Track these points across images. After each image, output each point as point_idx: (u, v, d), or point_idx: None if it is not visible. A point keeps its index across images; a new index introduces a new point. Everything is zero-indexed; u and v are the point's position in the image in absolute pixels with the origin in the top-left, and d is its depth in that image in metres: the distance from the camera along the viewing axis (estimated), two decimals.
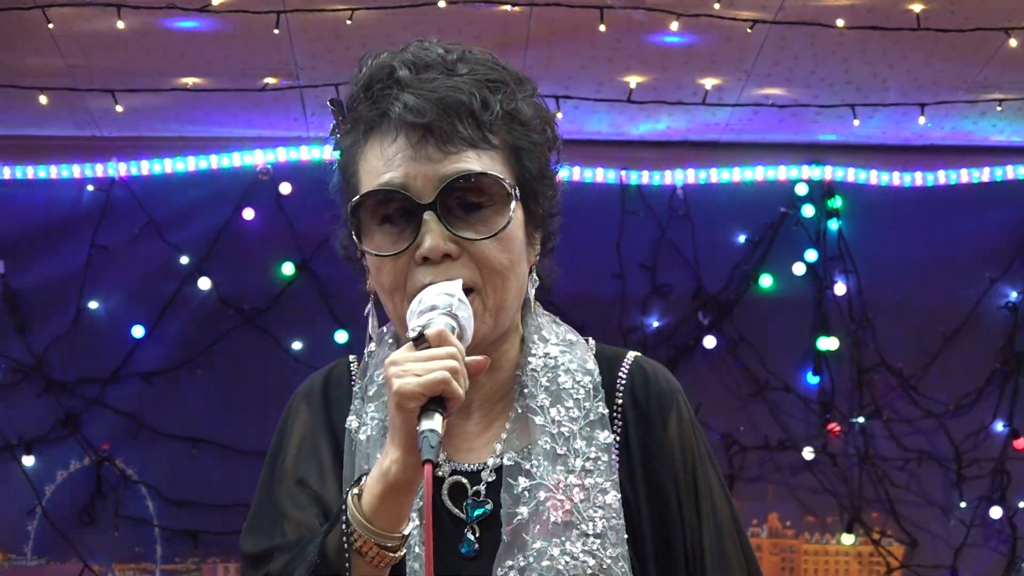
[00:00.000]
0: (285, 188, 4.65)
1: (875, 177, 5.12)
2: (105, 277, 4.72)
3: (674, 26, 4.06)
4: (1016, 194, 5.07)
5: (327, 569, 1.82)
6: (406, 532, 1.87)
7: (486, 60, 1.91)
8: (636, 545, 1.93)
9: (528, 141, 1.96)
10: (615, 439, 2.02)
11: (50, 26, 4.02)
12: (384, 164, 1.90)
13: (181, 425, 4.68)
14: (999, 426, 4.92)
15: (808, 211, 5.02)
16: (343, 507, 1.83)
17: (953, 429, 4.95)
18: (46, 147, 4.86)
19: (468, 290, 1.97)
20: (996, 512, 4.87)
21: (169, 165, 4.88)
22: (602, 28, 4.04)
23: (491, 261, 1.94)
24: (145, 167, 4.87)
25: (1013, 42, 4.10)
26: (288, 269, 4.65)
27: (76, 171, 4.83)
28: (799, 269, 4.98)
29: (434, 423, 1.66)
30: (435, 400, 1.64)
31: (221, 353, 4.68)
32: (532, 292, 2.08)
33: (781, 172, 5.15)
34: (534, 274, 2.04)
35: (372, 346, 2.07)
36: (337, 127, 2.07)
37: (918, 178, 5.00)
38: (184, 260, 4.64)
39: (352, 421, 2.00)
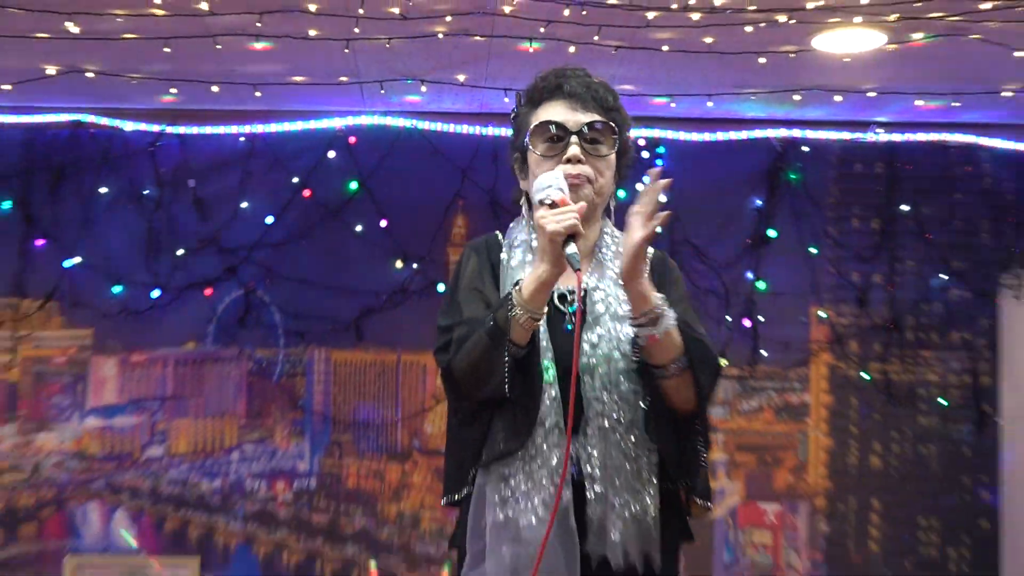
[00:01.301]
0: (352, 139, 5.64)
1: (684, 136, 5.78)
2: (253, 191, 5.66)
3: None
4: (758, 147, 5.81)
5: (496, 330, 2.67)
6: (544, 310, 2.68)
7: (599, 78, 2.97)
8: None
9: (620, 117, 2.90)
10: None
11: (218, 47, 4.65)
12: (553, 113, 2.88)
13: (296, 273, 5.64)
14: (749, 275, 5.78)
15: None
16: (510, 294, 2.69)
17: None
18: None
19: (587, 180, 2.82)
20: (747, 323, 5.78)
21: (301, 125, 5.70)
22: None
23: (599, 168, 2.85)
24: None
25: (762, 59, 4.83)
26: (353, 185, 5.62)
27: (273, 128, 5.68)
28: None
29: (574, 248, 2.58)
30: (570, 236, 2.59)
31: (321, 234, 5.68)
32: (612, 203, 2.97)
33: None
34: (613, 194, 2.96)
35: (513, 225, 3.02)
36: (517, 104, 3.00)
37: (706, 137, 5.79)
38: (295, 180, 5.63)
39: (503, 257, 2.97)
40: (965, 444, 5.63)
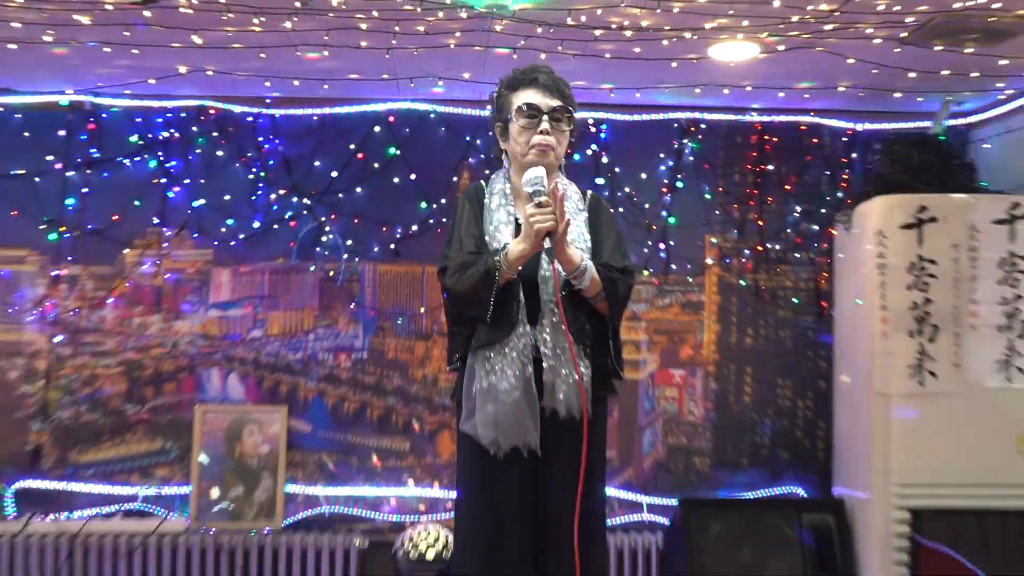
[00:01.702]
0: (391, 118, 5.52)
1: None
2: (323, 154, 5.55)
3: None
4: (670, 125, 5.68)
5: (487, 276, 2.87)
6: (519, 269, 2.90)
7: (559, 75, 3.09)
8: (592, 246, 3.08)
9: (573, 103, 3.06)
10: (586, 215, 3.12)
11: (297, 53, 4.60)
12: (530, 98, 3.01)
13: (352, 211, 5.60)
14: (664, 213, 5.71)
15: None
16: (499, 253, 2.89)
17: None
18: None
19: (551, 148, 3.01)
20: (662, 246, 5.68)
21: (356, 108, 5.58)
22: None
23: (561, 140, 3.04)
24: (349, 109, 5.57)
25: (674, 64, 4.76)
26: (392, 150, 5.52)
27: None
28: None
29: (549, 244, 2.85)
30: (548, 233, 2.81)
31: (369, 184, 5.56)
32: (564, 162, 3.14)
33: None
34: (565, 155, 3.11)
35: (494, 177, 3.18)
36: (499, 88, 3.13)
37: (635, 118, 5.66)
38: (352, 146, 5.53)
39: (486, 201, 3.09)
40: (809, 329, 5.68)
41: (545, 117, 3.03)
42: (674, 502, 5.15)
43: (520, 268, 2.98)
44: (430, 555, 4.84)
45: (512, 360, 2.96)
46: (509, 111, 3.09)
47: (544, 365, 2.96)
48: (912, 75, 4.69)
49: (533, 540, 3.00)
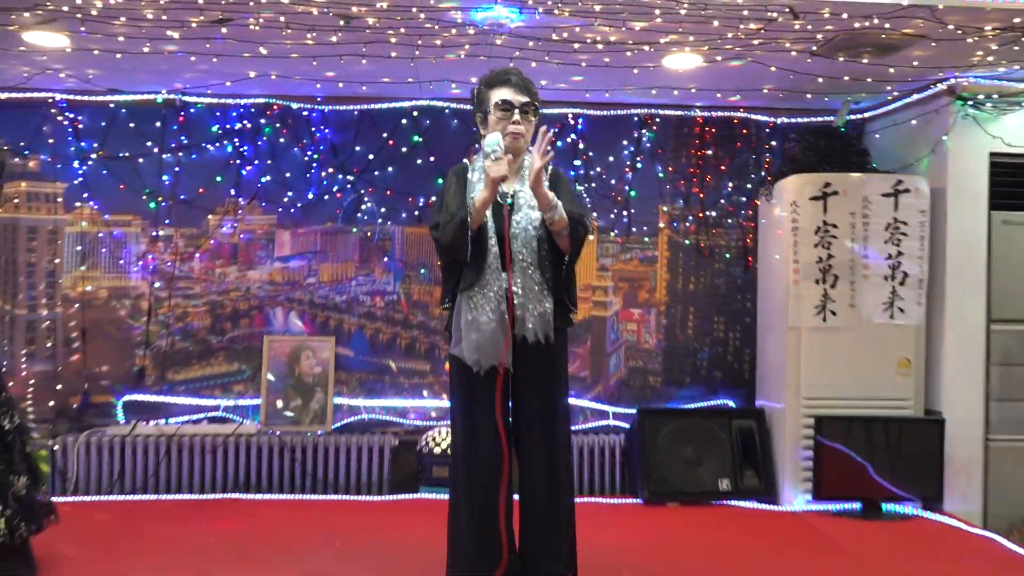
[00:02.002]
0: (415, 113, 5.37)
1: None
2: (361, 141, 5.41)
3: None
4: (632, 119, 5.52)
5: (462, 223, 2.85)
6: (485, 215, 2.90)
7: (528, 76, 3.04)
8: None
9: (538, 100, 3.01)
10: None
11: (341, 61, 4.50)
12: (506, 95, 2.96)
13: (385, 184, 5.46)
14: (627, 187, 5.59)
15: None
16: (468, 204, 2.91)
17: None
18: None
19: (521, 135, 2.95)
20: (625, 213, 5.57)
21: (388, 105, 5.41)
22: None
23: (529, 128, 2.98)
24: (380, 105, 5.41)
25: (636, 71, 4.65)
26: (416, 138, 5.40)
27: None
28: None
29: (504, 189, 2.93)
30: (502, 180, 2.83)
31: (398, 164, 5.46)
32: (530, 145, 3.03)
33: None
34: (531, 139, 3.02)
35: (476, 156, 3.09)
36: (479, 86, 3.06)
37: (604, 112, 5.47)
38: (384, 135, 5.42)
39: (469, 176, 3.04)
40: (740, 279, 5.61)
41: (517, 111, 2.99)
42: (633, 411, 5.13)
43: (491, 223, 2.97)
44: (444, 451, 4.84)
45: (490, 299, 2.98)
46: (488, 105, 3.04)
47: (516, 302, 2.93)
48: (820, 80, 4.65)
49: (506, 436, 3.02)
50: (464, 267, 2.98)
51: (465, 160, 3.16)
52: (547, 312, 2.98)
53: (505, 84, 3.00)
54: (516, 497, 3.07)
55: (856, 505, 4.65)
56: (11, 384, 4.38)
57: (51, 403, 5.13)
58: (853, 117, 5.31)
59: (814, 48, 4.16)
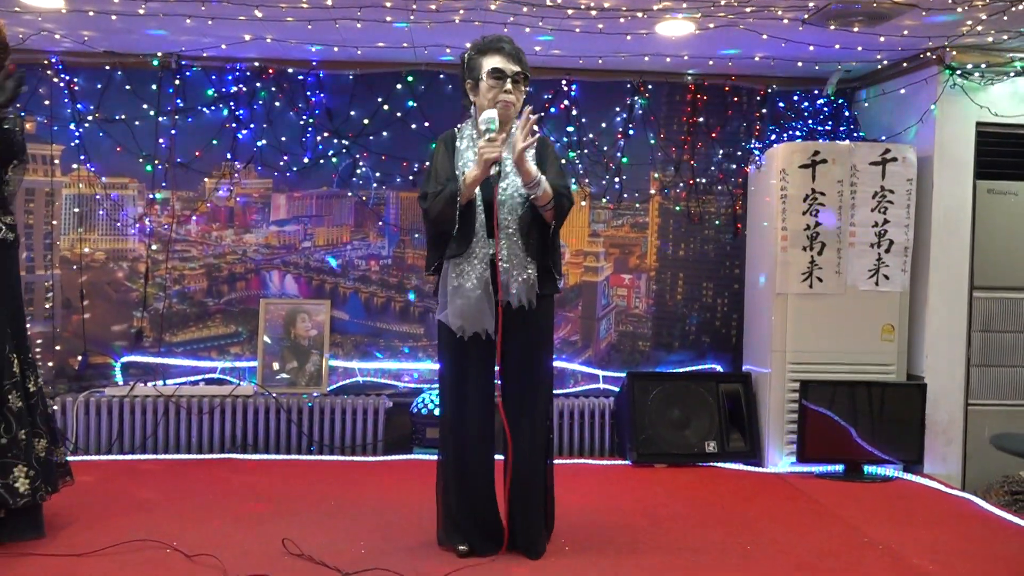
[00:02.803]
0: (410, 78, 5.30)
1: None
2: (357, 106, 5.35)
3: None
4: (625, 85, 5.46)
5: (451, 197, 2.86)
6: (475, 191, 2.89)
7: (517, 45, 2.98)
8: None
9: (527, 68, 2.98)
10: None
11: (309, 26, 4.42)
12: (498, 63, 2.93)
13: (380, 149, 5.39)
14: (619, 154, 5.57)
15: None
16: (458, 183, 2.88)
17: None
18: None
19: (513, 104, 2.92)
20: (616, 179, 5.56)
21: (383, 70, 5.29)
22: None
23: (519, 96, 2.97)
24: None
25: (628, 37, 4.58)
26: (411, 103, 5.32)
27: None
28: None
29: (496, 169, 2.86)
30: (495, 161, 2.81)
31: (393, 129, 5.38)
32: (520, 112, 3.00)
33: None
34: (522, 108, 2.98)
35: (464, 124, 3.11)
36: (470, 52, 3.01)
37: (598, 79, 5.46)
38: (379, 99, 5.36)
39: (457, 144, 3.03)
40: (729, 245, 5.60)
41: (509, 80, 2.96)
42: (623, 375, 5.14)
43: (478, 191, 2.95)
44: (437, 413, 4.84)
45: (475, 266, 2.98)
46: (479, 72, 2.98)
47: (500, 268, 2.90)
48: (811, 48, 4.62)
49: (492, 403, 3.04)
50: (450, 235, 2.95)
51: (455, 128, 3.14)
52: (531, 278, 2.98)
53: (498, 52, 2.97)
54: (499, 457, 3.13)
55: (839, 467, 4.66)
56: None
57: (50, 364, 5.13)
58: (843, 86, 5.26)
59: (806, 16, 4.12)
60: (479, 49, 2.99)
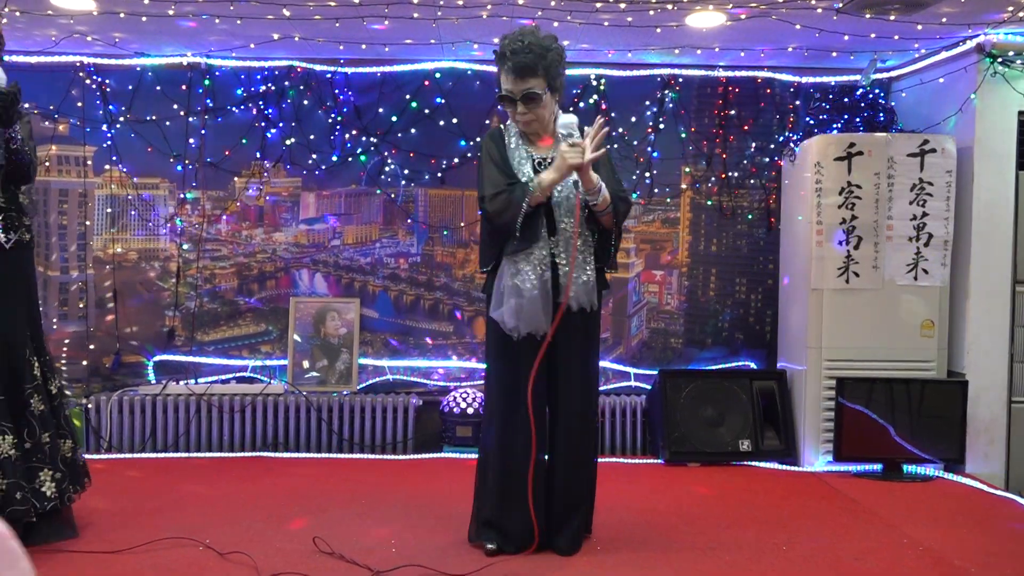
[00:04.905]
0: (438, 75, 5.30)
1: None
2: (385, 103, 5.37)
3: None
4: (654, 79, 5.44)
5: (520, 199, 2.83)
6: (549, 194, 2.86)
7: (542, 41, 2.82)
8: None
9: (550, 72, 2.85)
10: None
11: (337, 25, 4.48)
12: (505, 83, 2.89)
13: (408, 147, 5.42)
14: (650, 148, 5.57)
15: None
16: (530, 182, 2.85)
17: None
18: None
19: (533, 119, 2.90)
20: (647, 175, 5.55)
21: (410, 67, 5.34)
22: None
23: (538, 111, 2.90)
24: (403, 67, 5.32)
25: (658, 30, 4.63)
26: (438, 99, 5.33)
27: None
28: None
29: (575, 176, 2.86)
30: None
31: (421, 126, 5.40)
32: (558, 112, 3.01)
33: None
34: (557, 107, 3.02)
35: (505, 124, 3.11)
36: (495, 58, 2.94)
37: (627, 73, 5.43)
38: (407, 96, 5.36)
39: (507, 141, 3.02)
40: (762, 240, 5.56)
41: (520, 103, 2.94)
42: (655, 372, 5.13)
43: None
44: (468, 411, 4.89)
45: (534, 265, 2.95)
46: (499, 84, 2.98)
47: (559, 269, 2.93)
48: (846, 38, 4.57)
49: (543, 403, 3.02)
50: (511, 236, 2.96)
51: (501, 125, 3.12)
52: (590, 280, 2.98)
53: (506, 70, 2.91)
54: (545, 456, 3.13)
55: (877, 466, 4.61)
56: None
57: (84, 363, 5.22)
58: (879, 76, 5.20)
59: (840, 5, 4.09)
60: (497, 56, 2.96)
